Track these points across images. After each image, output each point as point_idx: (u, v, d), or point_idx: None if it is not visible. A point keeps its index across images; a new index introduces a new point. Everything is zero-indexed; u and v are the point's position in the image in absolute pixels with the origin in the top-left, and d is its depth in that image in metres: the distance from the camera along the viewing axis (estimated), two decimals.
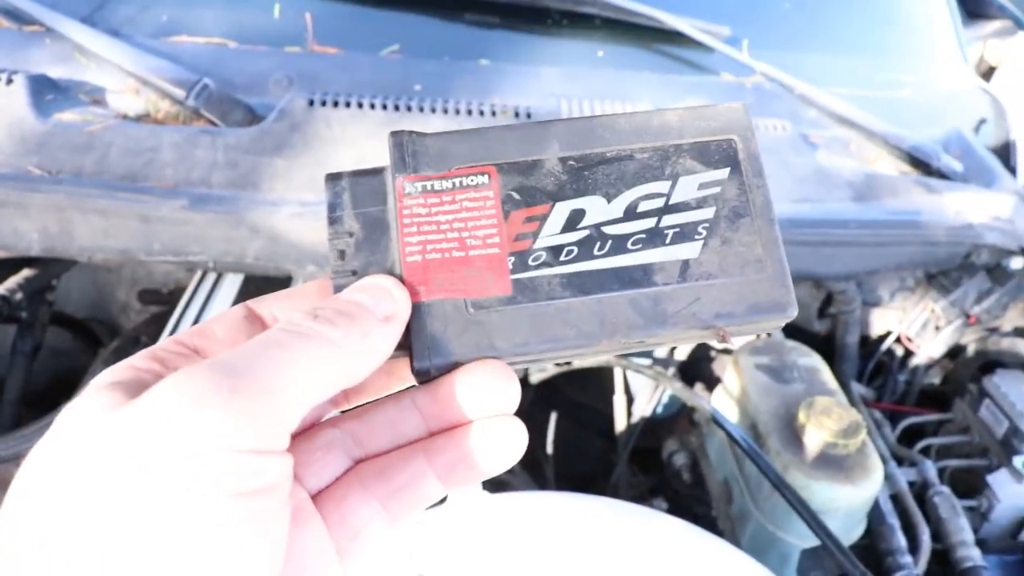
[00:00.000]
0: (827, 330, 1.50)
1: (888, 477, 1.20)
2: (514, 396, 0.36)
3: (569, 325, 0.37)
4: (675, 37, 1.43)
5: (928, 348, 1.43)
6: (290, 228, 1.06)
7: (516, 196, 0.38)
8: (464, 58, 1.36)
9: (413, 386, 0.38)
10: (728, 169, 0.39)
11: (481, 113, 1.21)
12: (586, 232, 0.38)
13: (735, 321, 0.37)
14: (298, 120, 1.15)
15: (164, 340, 0.36)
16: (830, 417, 1.08)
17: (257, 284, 1.23)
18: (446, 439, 0.37)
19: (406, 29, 1.38)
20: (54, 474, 0.29)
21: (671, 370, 1.43)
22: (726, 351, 1.48)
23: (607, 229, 0.38)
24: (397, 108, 1.19)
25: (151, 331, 1.26)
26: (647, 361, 1.43)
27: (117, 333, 1.42)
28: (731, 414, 1.23)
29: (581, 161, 0.39)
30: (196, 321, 1.15)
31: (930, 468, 1.25)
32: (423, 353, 0.36)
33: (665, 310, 0.37)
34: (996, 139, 1.59)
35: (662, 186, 0.39)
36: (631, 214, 0.38)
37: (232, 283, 1.22)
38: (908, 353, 1.47)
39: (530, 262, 0.37)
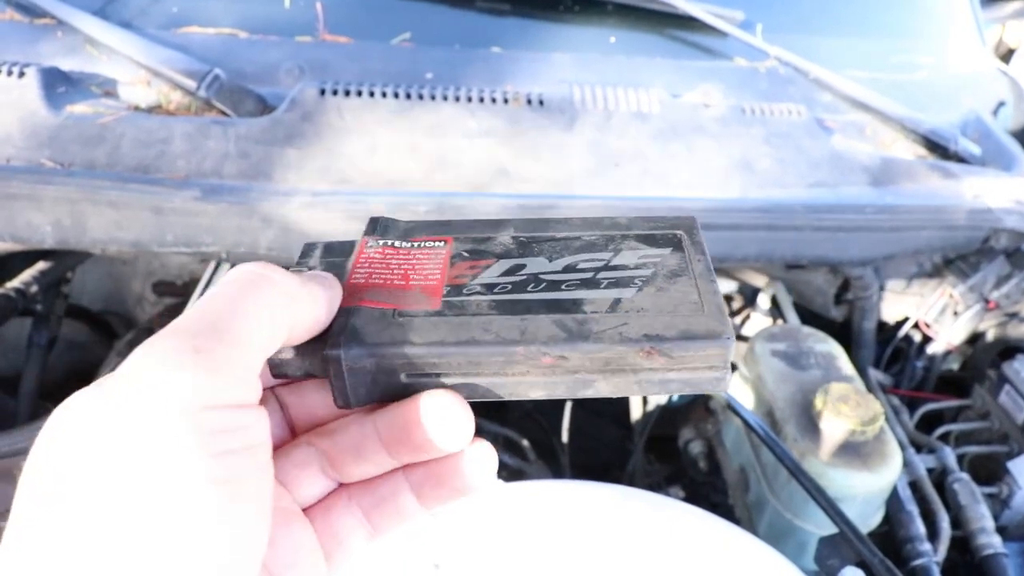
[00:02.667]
0: (844, 316, 1.49)
1: (907, 464, 1.19)
2: (467, 423, 0.37)
3: (488, 332, 0.37)
4: (688, 22, 1.41)
5: (946, 334, 1.42)
6: (302, 218, 1.06)
7: (465, 254, 0.42)
8: (475, 46, 1.35)
9: (377, 410, 0.38)
10: (670, 249, 0.42)
11: (493, 100, 1.20)
12: (523, 277, 0.40)
13: (664, 344, 0.36)
14: (309, 109, 1.14)
15: None
16: (847, 404, 1.07)
17: None
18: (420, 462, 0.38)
19: (417, 17, 1.37)
20: (44, 453, 0.29)
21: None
22: (742, 338, 1.47)
23: (543, 276, 0.40)
24: (408, 96, 1.19)
25: (166, 323, 1.25)
26: None
27: (132, 325, 1.42)
28: (747, 401, 1.23)
29: (531, 239, 0.43)
30: None
31: (949, 455, 1.24)
32: (337, 342, 0.36)
33: (590, 328, 0.37)
34: (1015, 122, 1.57)
35: (604, 255, 0.42)
36: (570, 270, 0.41)
37: None
38: (926, 339, 1.45)
39: (464, 292, 0.39)
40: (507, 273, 0.40)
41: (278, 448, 0.39)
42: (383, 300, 0.39)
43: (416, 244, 0.42)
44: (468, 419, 0.36)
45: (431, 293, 0.39)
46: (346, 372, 0.36)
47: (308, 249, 0.43)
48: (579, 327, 0.37)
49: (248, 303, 0.32)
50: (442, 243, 0.42)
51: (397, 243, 0.42)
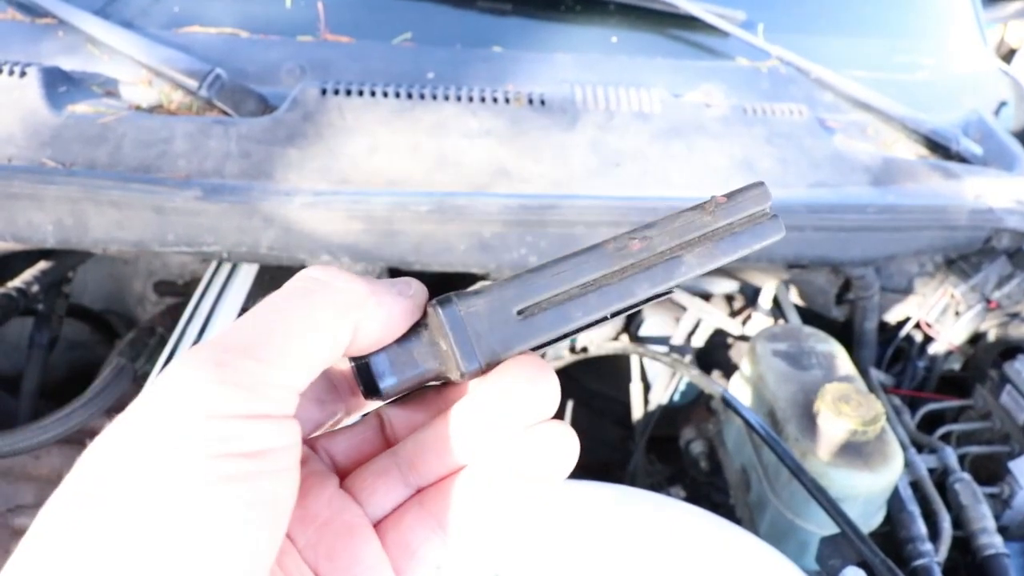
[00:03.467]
0: (845, 316, 1.49)
1: (908, 464, 1.19)
2: (552, 385, 0.36)
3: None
4: (689, 22, 1.41)
5: (948, 334, 1.41)
6: (304, 218, 1.06)
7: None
8: (477, 45, 1.35)
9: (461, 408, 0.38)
10: None
11: (494, 100, 1.20)
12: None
13: (717, 198, 0.39)
14: (311, 109, 1.14)
15: None
16: (849, 404, 1.07)
17: (272, 274, 1.23)
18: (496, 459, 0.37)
19: (418, 17, 1.37)
20: (90, 462, 0.30)
21: (688, 357, 1.42)
22: (743, 338, 1.47)
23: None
24: (410, 96, 1.19)
25: (167, 323, 1.26)
26: (664, 349, 1.43)
27: (134, 325, 1.42)
28: (748, 401, 1.23)
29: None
30: (211, 312, 1.15)
31: (950, 455, 1.24)
32: (470, 353, 0.36)
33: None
34: (1017, 122, 1.57)
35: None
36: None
37: (247, 273, 1.22)
38: (927, 339, 1.45)
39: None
40: None
41: (365, 461, 0.39)
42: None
43: None
44: (552, 377, 0.36)
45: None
46: (464, 319, 0.36)
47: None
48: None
49: (291, 316, 0.33)
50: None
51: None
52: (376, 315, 0.35)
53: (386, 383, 0.37)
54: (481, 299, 0.36)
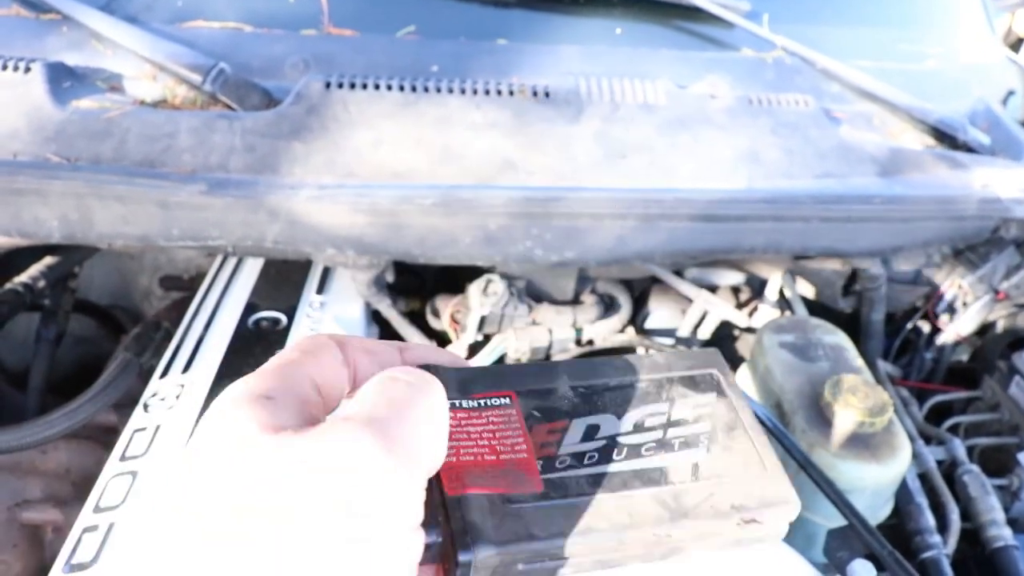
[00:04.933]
0: (852, 307, 1.48)
1: (916, 456, 1.19)
2: None
3: (600, 518, 0.39)
4: (694, 13, 1.41)
5: (956, 325, 1.41)
6: (309, 211, 1.05)
7: (537, 414, 0.43)
8: (481, 38, 1.35)
9: None
10: (715, 394, 0.46)
11: (499, 92, 1.20)
12: (603, 442, 0.42)
13: (750, 511, 0.41)
14: (315, 103, 1.14)
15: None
16: (856, 395, 1.06)
17: (277, 268, 1.23)
18: None
19: (422, 10, 1.37)
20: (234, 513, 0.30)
21: (694, 349, 1.42)
22: (750, 329, 1.46)
23: (621, 439, 0.42)
24: (414, 89, 1.18)
25: (173, 317, 1.26)
26: (670, 341, 1.43)
27: (140, 319, 1.43)
28: (755, 393, 1.22)
29: (589, 389, 0.45)
30: (217, 306, 1.15)
31: (959, 446, 1.23)
32: (465, 542, 0.37)
33: (685, 503, 0.41)
34: None
35: (662, 407, 0.44)
36: (640, 428, 0.43)
37: (252, 268, 1.22)
38: (935, 330, 1.45)
39: (557, 464, 0.41)
40: (587, 438, 0.42)
41: None
42: (486, 484, 0.39)
43: (481, 403, 0.42)
44: None
45: (527, 470, 0.40)
46: (472, 571, 0.37)
47: None
48: (676, 503, 0.40)
49: (419, 407, 0.35)
50: (507, 400, 0.43)
51: (463, 403, 0.42)
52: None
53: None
54: (496, 557, 0.37)
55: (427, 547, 0.37)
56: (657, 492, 0.40)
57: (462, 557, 0.36)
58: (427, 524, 0.36)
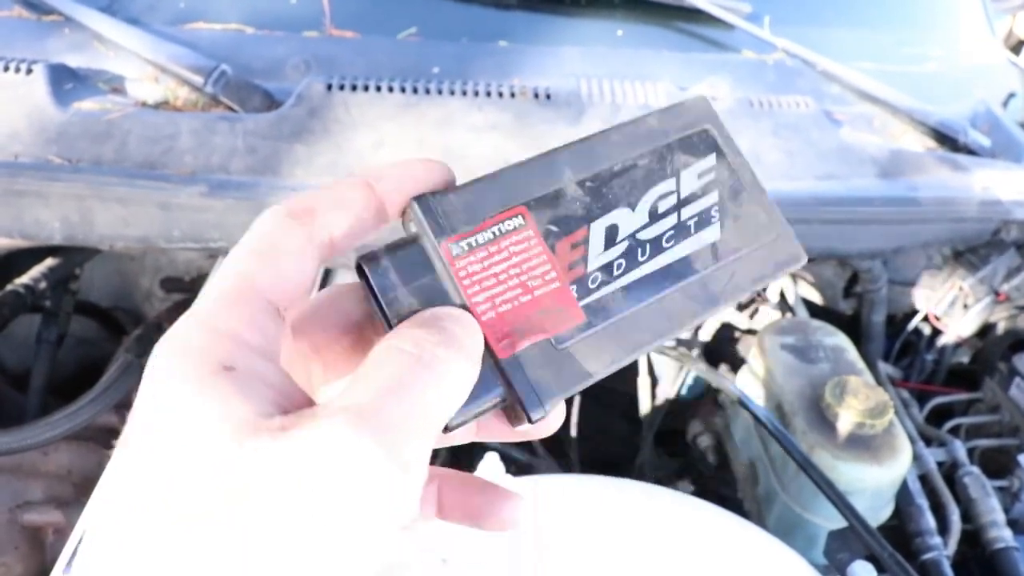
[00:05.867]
0: (853, 309, 1.48)
1: (916, 457, 1.19)
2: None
3: (644, 330, 0.39)
4: (695, 15, 1.41)
5: (957, 326, 1.41)
6: None
7: (554, 228, 0.40)
8: (482, 40, 1.35)
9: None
10: (714, 155, 0.44)
11: (500, 94, 1.20)
12: (625, 244, 0.40)
13: (767, 279, 0.43)
14: (316, 105, 1.14)
15: (236, 280, 0.33)
16: (857, 397, 1.07)
17: None
18: (461, 482, 0.41)
19: (423, 11, 1.37)
20: (182, 498, 0.27)
21: (695, 351, 1.42)
22: (751, 331, 1.46)
23: (640, 235, 0.41)
24: (416, 91, 1.18)
25: (174, 319, 1.26)
26: (671, 342, 1.43)
27: (141, 321, 1.43)
28: (756, 395, 1.22)
29: (596, 180, 0.42)
30: None
31: (959, 448, 1.23)
32: (533, 400, 0.36)
33: (713, 291, 0.41)
34: None
35: (670, 184, 0.43)
36: (655, 216, 0.42)
37: None
38: (936, 332, 1.45)
39: (589, 285, 0.39)
40: (609, 242, 0.40)
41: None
42: (531, 332, 0.37)
43: (496, 231, 0.38)
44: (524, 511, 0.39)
45: (564, 302, 0.38)
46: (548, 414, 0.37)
47: (375, 269, 0.37)
48: (704, 292, 0.41)
49: (428, 396, 0.31)
50: (520, 219, 0.39)
51: (479, 238, 0.38)
52: (456, 391, 0.33)
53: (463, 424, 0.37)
54: (561, 397, 0.37)
55: (492, 404, 0.37)
56: (686, 286, 0.41)
57: (534, 415, 0.36)
58: (485, 383, 0.36)
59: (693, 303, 0.41)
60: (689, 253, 0.41)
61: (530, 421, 0.36)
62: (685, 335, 0.40)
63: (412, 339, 0.33)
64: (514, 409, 0.37)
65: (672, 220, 0.42)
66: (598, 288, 0.39)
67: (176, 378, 0.30)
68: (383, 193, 0.37)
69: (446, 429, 0.35)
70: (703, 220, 0.42)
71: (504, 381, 0.36)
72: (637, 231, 0.41)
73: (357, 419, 0.28)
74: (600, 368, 0.38)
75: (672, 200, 0.42)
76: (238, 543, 0.26)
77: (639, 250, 0.40)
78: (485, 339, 0.36)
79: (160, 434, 0.29)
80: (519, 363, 0.36)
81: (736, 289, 0.42)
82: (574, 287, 0.39)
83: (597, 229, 0.40)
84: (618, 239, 0.40)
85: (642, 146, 0.43)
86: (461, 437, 0.39)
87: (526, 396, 0.36)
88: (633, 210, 0.41)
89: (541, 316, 0.38)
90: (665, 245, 0.41)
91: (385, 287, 0.36)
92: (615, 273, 0.40)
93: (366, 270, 0.37)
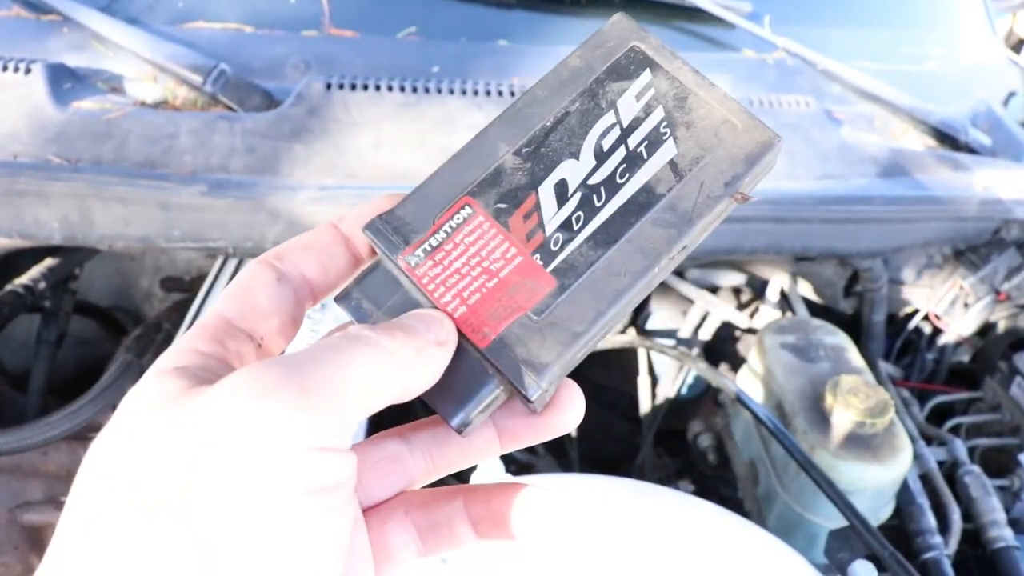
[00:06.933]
0: (853, 308, 1.48)
1: (917, 456, 1.19)
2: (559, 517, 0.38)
3: (620, 274, 0.37)
4: (695, 14, 1.41)
5: (957, 326, 1.41)
6: (309, 212, 1.05)
7: (503, 206, 0.39)
8: (482, 39, 1.35)
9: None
10: (647, 69, 0.42)
11: (500, 93, 1.20)
12: (578, 194, 0.39)
13: (743, 178, 0.39)
14: (316, 104, 1.14)
15: (209, 316, 0.36)
16: (857, 396, 1.06)
17: None
18: (485, 492, 0.38)
19: (423, 11, 1.37)
20: (118, 468, 0.29)
21: (695, 350, 1.42)
22: (751, 331, 1.46)
23: (592, 181, 0.39)
24: (415, 90, 1.18)
25: (174, 319, 1.26)
26: (671, 342, 1.43)
27: (141, 321, 1.42)
28: (756, 394, 1.22)
29: (532, 143, 0.40)
30: None
31: (960, 447, 1.23)
32: (529, 381, 0.35)
33: (685, 209, 0.38)
34: None
35: (608, 118, 0.40)
36: (601, 155, 0.39)
37: None
38: (937, 331, 1.45)
39: (553, 248, 0.38)
40: (561, 199, 0.39)
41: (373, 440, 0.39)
42: (506, 313, 0.37)
43: (447, 229, 0.39)
44: (561, 513, 0.37)
45: (530, 272, 0.37)
46: (548, 394, 0.37)
47: (349, 303, 0.38)
48: (675, 214, 0.38)
49: (359, 359, 0.32)
50: (468, 209, 0.39)
51: (432, 240, 0.38)
52: (421, 372, 0.34)
53: (471, 424, 0.36)
54: (558, 368, 0.36)
55: (493, 397, 0.36)
56: (654, 216, 0.38)
57: (532, 395, 0.35)
58: (475, 377, 0.36)
59: (666, 229, 0.38)
60: (648, 180, 0.39)
61: (529, 400, 0.36)
62: (673, 266, 0.36)
63: (358, 327, 0.34)
64: (516, 395, 0.37)
65: (620, 153, 0.40)
66: (562, 248, 0.38)
67: (138, 384, 0.32)
68: (348, 232, 0.39)
69: (460, 432, 0.36)
70: (654, 141, 0.40)
71: (494, 369, 0.36)
72: (587, 178, 0.39)
73: (261, 376, 0.30)
74: (585, 325, 0.36)
75: (616, 133, 0.40)
76: (175, 515, 0.28)
77: (594, 196, 0.39)
78: (464, 334, 0.36)
79: (113, 426, 0.31)
80: (503, 347, 0.36)
81: (710, 199, 0.38)
82: (537, 256, 0.38)
83: (545, 191, 0.39)
84: (570, 193, 0.39)
85: (570, 91, 0.42)
86: (485, 449, 0.39)
87: (517, 375, 0.35)
88: (578, 159, 0.40)
89: (512, 295, 0.37)
90: (620, 181, 0.39)
91: (361, 316, 0.38)
92: (575, 227, 0.38)
93: (341, 306, 0.38)
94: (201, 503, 0.28)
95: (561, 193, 0.39)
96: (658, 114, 0.40)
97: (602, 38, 0.43)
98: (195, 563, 0.27)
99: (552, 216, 0.38)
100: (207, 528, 0.28)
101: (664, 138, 0.40)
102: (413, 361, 0.33)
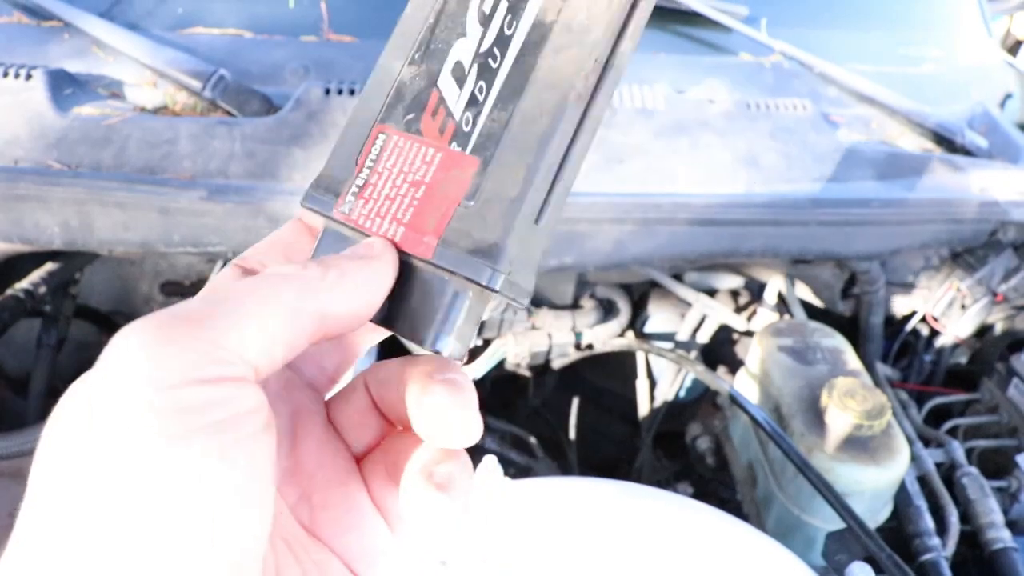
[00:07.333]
0: (851, 311, 1.49)
1: (915, 458, 1.19)
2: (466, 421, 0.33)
3: (537, 118, 0.35)
4: (692, 18, 1.41)
5: (954, 327, 1.41)
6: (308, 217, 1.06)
7: (410, 115, 0.37)
8: None
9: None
10: None
11: None
12: (475, 67, 0.37)
13: None
14: (314, 109, 1.15)
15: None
16: (854, 398, 1.07)
17: None
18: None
19: None
20: (40, 451, 0.28)
21: (693, 353, 1.42)
22: (748, 333, 1.47)
23: (483, 48, 0.37)
24: None
25: None
26: (669, 345, 1.43)
27: None
28: (754, 397, 1.23)
29: (421, 47, 0.39)
30: None
31: (958, 449, 1.24)
32: (483, 269, 0.33)
33: (580, 22, 0.35)
34: (1023, 114, 1.57)
35: None
36: (486, 21, 0.37)
37: None
38: (934, 333, 1.45)
39: (466, 129, 0.36)
40: (460, 79, 0.37)
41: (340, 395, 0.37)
42: (443, 212, 0.35)
43: (369, 162, 0.37)
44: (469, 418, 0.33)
45: (454, 163, 0.35)
46: (510, 276, 0.34)
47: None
48: (571, 32, 0.35)
49: (240, 290, 0.30)
50: (381, 136, 0.38)
51: (357, 182, 0.37)
52: (350, 292, 0.32)
53: (446, 339, 0.34)
54: (513, 246, 0.34)
55: (461, 303, 0.34)
56: (552, 44, 0.35)
57: (494, 282, 0.33)
58: (436, 290, 0.34)
59: (568, 50, 0.35)
60: (535, 16, 0.36)
61: (493, 290, 0.33)
62: (608, 88, 0.33)
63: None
64: (476, 286, 0.34)
65: (503, 8, 0.37)
66: (474, 125, 0.36)
67: None
68: (310, 222, 0.39)
69: (439, 353, 0.34)
70: None
71: (448, 273, 0.34)
72: (479, 48, 0.37)
73: (156, 314, 0.28)
74: (519, 186, 0.34)
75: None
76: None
77: (489, 60, 0.37)
78: (407, 253, 0.34)
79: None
80: (448, 247, 0.34)
81: (607, 7, 0.35)
82: (455, 144, 0.36)
83: (444, 80, 0.37)
84: (467, 70, 0.37)
85: None
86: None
87: (471, 268, 0.33)
88: (466, 35, 0.37)
89: (443, 193, 0.35)
90: (509, 33, 0.36)
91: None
92: (481, 99, 0.36)
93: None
94: (67, 455, 0.27)
95: (459, 76, 0.37)
96: None
97: None
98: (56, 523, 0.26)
99: (456, 100, 0.37)
100: (71, 483, 0.27)
101: None
102: (334, 282, 0.32)
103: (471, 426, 0.32)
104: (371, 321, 0.34)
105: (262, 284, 0.31)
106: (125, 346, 0.28)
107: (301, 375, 0.37)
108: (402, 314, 0.35)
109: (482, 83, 0.36)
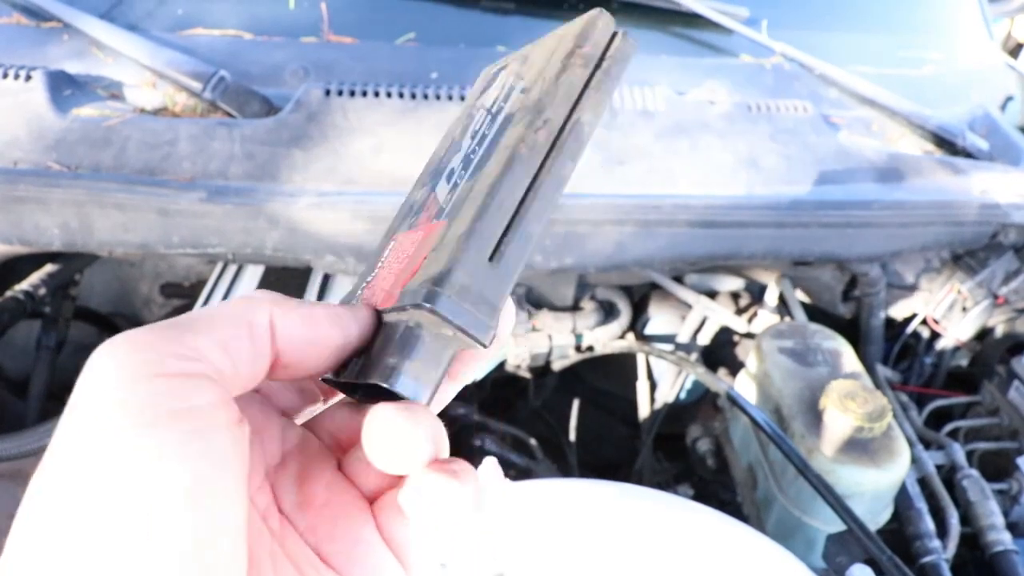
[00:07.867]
0: (852, 313, 1.49)
1: (915, 460, 1.19)
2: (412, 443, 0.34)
3: (489, 174, 0.37)
4: (693, 19, 1.41)
5: (955, 330, 1.41)
6: (308, 218, 1.06)
7: (412, 219, 0.43)
8: (481, 45, 1.35)
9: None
10: (502, 70, 0.47)
11: None
12: (461, 163, 0.42)
13: (583, 46, 0.41)
14: (314, 110, 1.14)
15: None
16: (855, 400, 1.07)
17: (277, 275, 1.23)
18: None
19: (421, 17, 1.37)
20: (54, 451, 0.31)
21: (694, 355, 1.42)
22: (749, 335, 1.46)
23: (470, 150, 0.42)
24: (414, 96, 1.19)
25: None
26: (670, 347, 1.43)
27: (140, 327, 1.43)
28: (755, 399, 1.22)
29: (429, 170, 0.47)
30: None
31: (958, 451, 1.24)
32: (424, 292, 0.34)
33: (534, 97, 0.40)
34: (1023, 117, 1.57)
35: (480, 115, 0.44)
36: (476, 134, 0.43)
37: (252, 274, 1.23)
38: (935, 335, 1.45)
39: (444, 205, 0.40)
40: (449, 178, 0.42)
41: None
42: (412, 268, 0.37)
43: (380, 264, 0.41)
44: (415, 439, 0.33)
45: (430, 231, 0.38)
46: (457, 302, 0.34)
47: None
48: (527, 109, 0.39)
49: (196, 310, 0.33)
50: (392, 243, 0.43)
51: (369, 278, 0.41)
52: (293, 308, 0.34)
53: (424, 397, 0.35)
54: (461, 274, 0.34)
55: (417, 339, 0.35)
56: (515, 121, 0.39)
57: (428, 300, 0.33)
58: (399, 326, 0.36)
59: (526, 118, 0.38)
60: (506, 113, 0.41)
61: (435, 312, 0.33)
62: (531, 140, 0.35)
63: None
64: (439, 330, 0.35)
65: (487, 119, 0.43)
66: (448, 198, 0.40)
67: None
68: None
69: (397, 396, 0.35)
70: (509, 90, 0.43)
71: (402, 310, 0.35)
72: (467, 152, 0.42)
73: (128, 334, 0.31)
74: (467, 224, 0.35)
75: (483, 115, 0.44)
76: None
77: (471, 154, 0.41)
78: (383, 309, 0.37)
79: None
80: (407, 292, 0.35)
81: (555, 73, 0.39)
82: (434, 220, 0.39)
83: (440, 186, 0.42)
84: (456, 170, 0.42)
85: (455, 124, 0.48)
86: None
87: (416, 296, 0.34)
88: (460, 150, 0.43)
89: (416, 256, 0.37)
90: (488, 133, 0.41)
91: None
92: (459, 182, 0.40)
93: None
94: (49, 455, 0.29)
95: (449, 175, 0.42)
96: (511, 79, 0.44)
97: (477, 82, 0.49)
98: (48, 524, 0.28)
99: (445, 192, 0.41)
100: (47, 477, 0.29)
101: (516, 82, 0.43)
102: (297, 311, 0.34)
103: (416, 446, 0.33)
104: (350, 378, 0.37)
105: (227, 302, 0.34)
106: (98, 356, 0.31)
107: (317, 434, 0.39)
108: (371, 363, 0.36)
109: (462, 171, 0.41)
